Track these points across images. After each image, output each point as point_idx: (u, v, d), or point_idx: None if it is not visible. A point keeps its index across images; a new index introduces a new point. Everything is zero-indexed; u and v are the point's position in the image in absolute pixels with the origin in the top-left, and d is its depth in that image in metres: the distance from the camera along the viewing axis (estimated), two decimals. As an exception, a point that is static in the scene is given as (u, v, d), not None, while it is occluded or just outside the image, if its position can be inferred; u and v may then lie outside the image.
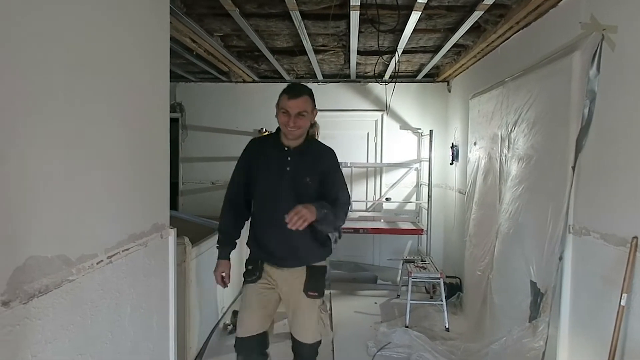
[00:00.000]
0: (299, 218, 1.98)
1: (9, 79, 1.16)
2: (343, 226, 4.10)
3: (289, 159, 2.28)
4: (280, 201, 2.21)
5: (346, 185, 2.39)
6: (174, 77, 5.39)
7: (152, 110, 2.12)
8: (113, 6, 1.72)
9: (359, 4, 2.89)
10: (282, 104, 2.22)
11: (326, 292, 4.23)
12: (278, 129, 2.33)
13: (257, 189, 2.34)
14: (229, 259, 2.43)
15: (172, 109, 5.63)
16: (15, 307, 1.18)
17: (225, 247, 2.43)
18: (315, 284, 2.34)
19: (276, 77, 5.43)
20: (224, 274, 2.41)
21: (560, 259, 2.49)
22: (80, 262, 1.48)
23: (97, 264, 1.59)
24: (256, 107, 5.65)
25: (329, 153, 2.41)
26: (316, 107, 2.32)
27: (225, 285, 2.44)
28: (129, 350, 1.87)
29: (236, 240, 2.45)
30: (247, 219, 2.47)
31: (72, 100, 1.44)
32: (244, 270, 2.40)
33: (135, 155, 1.92)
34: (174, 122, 5.57)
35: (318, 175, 2.29)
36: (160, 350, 2.23)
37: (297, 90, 2.22)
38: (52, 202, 1.35)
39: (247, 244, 2.44)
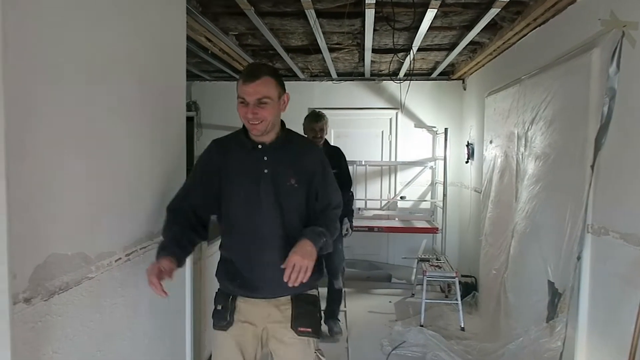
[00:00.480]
0: (300, 271, 1.60)
1: (28, 79, 1.18)
2: (356, 225, 4.14)
3: (265, 158, 1.80)
4: (260, 212, 1.77)
5: (335, 182, 1.97)
6: (189, 76, 5.41)
7: (169, 110, 2.14)
8: (131, 6, 1.73)
9: (374, 1, 2.88)
10: (238, 92, 1.72)
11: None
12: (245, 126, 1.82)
13: (228, 201, 1.82)
14: (173, 256, 1.66)
15: (187, 107, 5.62)
16: (36, 304, 1.20)
17: (167, 252, 1.68)
18: (306, 317, 1.82)
19: (290, 75, 5.43)
20: (163, 268, 1.60)
21: (579, 258, 2.46)
22: (99, 259, 1.51)
23: (116, 261, 1.62)
24: (270, 106, 5.65)
25: (313, 147, 2.05)
26: (286, 90, 1.86)
27: (161, 288, 1.57)
28: (146, 347, 1.89)
29: (185, 258, 1.76)
30: (200, 239, 1.87)
31: (91, 100, 1.46)
32: (213, 309, 1.86)
33: (151, 154, 1.94)
34: (189, 120, 5.58)
35: (304, 175, 1.83)
36: (177, 347, 2.25)
37: (253, 71, 1.74)
38: (72, 201, 1.37)
39: (215, 275, 1.91)
